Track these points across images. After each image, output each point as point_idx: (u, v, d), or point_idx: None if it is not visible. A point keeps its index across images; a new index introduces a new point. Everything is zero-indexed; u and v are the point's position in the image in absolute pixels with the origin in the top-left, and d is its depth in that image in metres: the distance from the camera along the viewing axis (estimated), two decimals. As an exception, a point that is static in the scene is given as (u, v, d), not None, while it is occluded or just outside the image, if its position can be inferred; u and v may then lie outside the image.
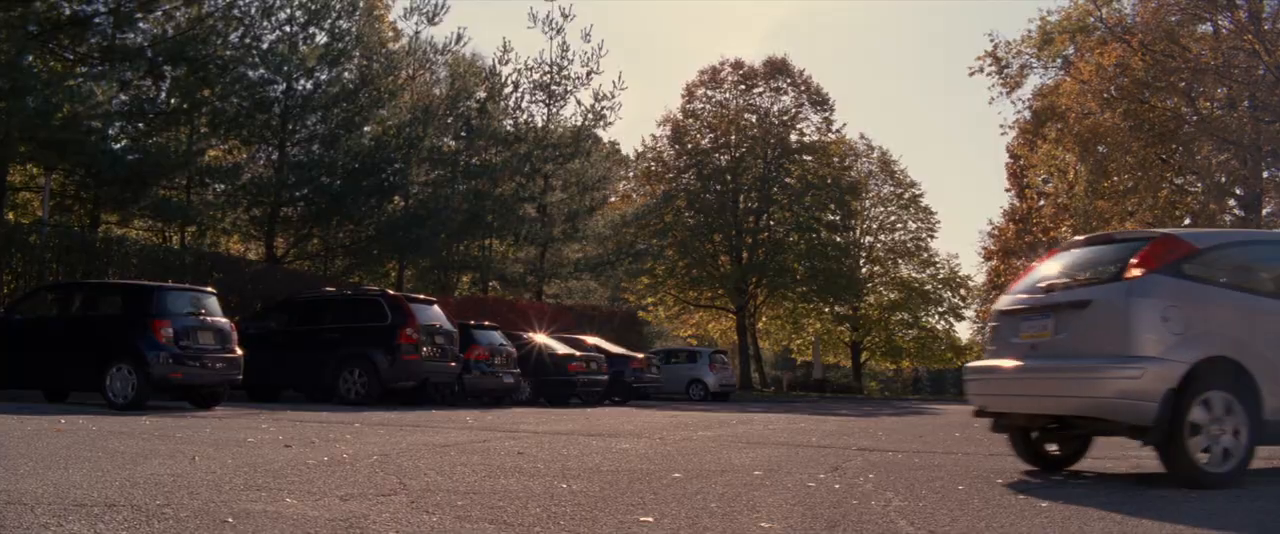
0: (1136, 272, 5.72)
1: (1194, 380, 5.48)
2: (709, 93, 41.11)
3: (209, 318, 12.29)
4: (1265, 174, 27.81)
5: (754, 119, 40.54)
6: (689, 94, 41.38)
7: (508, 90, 28.24)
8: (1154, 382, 5.45)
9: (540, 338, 19.57)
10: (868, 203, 45.19)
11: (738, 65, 40.99)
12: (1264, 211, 28.30)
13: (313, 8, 21.48)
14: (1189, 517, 4.44)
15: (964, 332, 50.29)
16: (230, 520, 3.75)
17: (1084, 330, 5.80)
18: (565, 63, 28.84)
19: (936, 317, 46.32)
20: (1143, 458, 7.21)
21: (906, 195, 45.46)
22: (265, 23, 20.74)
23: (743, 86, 40.85)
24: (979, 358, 6.78)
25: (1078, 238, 7.02)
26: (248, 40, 19.83)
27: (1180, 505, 4.86)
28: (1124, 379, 5.52)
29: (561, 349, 19.05)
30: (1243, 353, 5.64)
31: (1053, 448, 6.80)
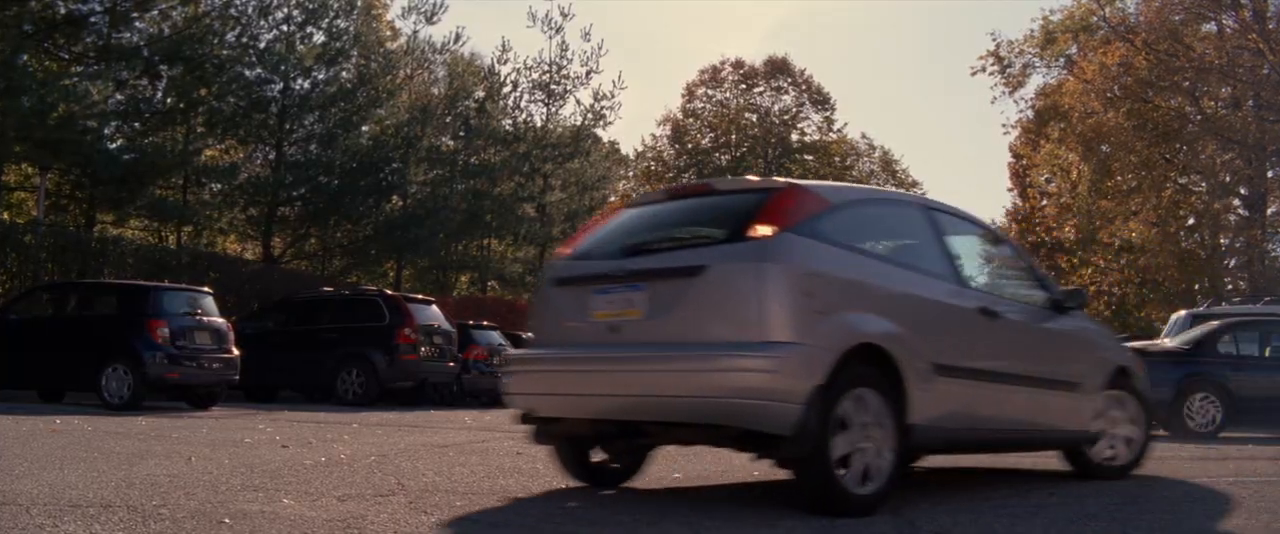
0: (765, 229, 4.28)
1: (841, 374, 4.17)
2: (709, 92, 41.17)
3: (205, 318, 12.26)
4: (1270, 173, 27.79)
5: (755, 118, 40.59)
6: (689, 93, 41.47)
7: (507, 89, 28.22)
8: (796, 376, 4.05)
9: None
10: (869, 203, 45.21)
11: (738, 64, 41.07)
12: (1269, 211, 28.29)
13: (310, 7, 21.45)
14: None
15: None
16: (227, 521, 3.72)
17: (694, 307, 4.26)
18: (564, 62, 28.82)
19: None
20: (707, 468, 6.07)
21: (908, 195, 45.47)
22: (262, 22, 20.72)
23: (743, 86, 40.90)
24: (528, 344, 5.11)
25: (663, 189, 5.69)
26: (245, 39, 19.80)
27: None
28: (756, 372, 4.05)
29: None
30: (889, 339, 4.43)
31: (603, 459, 5.19)
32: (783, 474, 4.45)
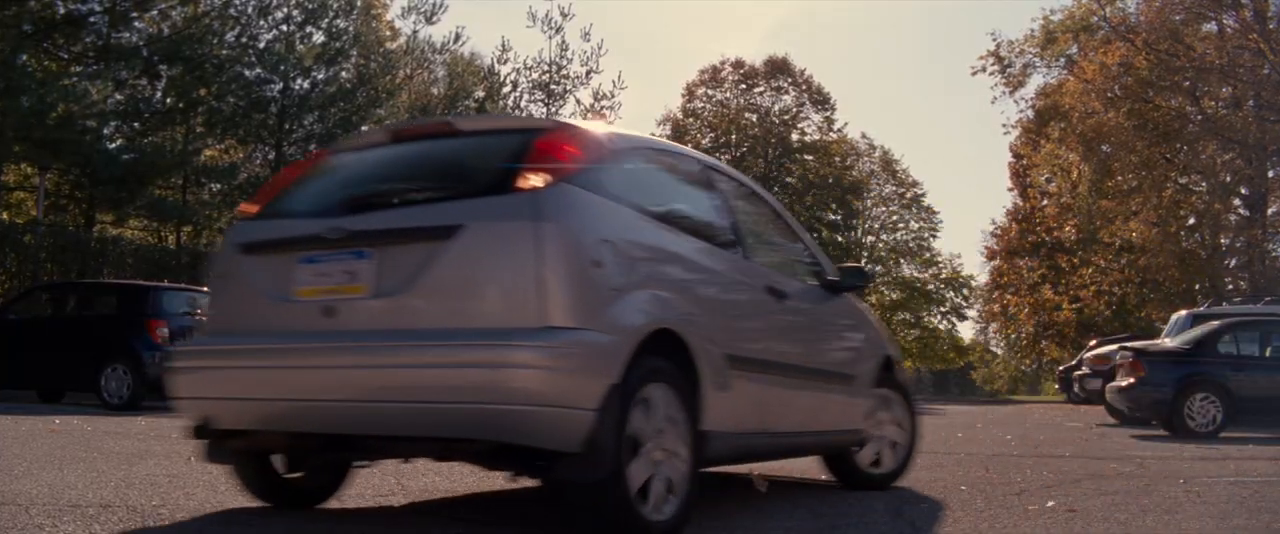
0: (539, 179, 3.28)
1: (635, 370, 3.27)
2: (709, 92, 41.17)
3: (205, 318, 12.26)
4: (1270, 173, 27.80)
5: (755, 118, 40.58)
6: (689, 93, 41.46)
7: (506, 89, 28.20)
8: (586, 372, 3.13)
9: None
10: (869, 202, 45.21)
11: (738, 64, 41.06)
12: (1269, 211, 28.28)
13: (310, 7, 21.48)
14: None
15: (966, 332, 50.39)
16: (227, 520, 3.72)
17: (444, 282, 3.21)
18: (564, 62, 28.79)
19: (939, 317, 46.36)
20: (430, 482, 4.96)
21: (908, 195, 45.48)
22: (262, 22, 20.75)
23: (743, 86, 40.90)
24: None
25: (385, 127, 4.30)
26: (244, 39, 19.83)
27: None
28: (534, 369, 3.04)
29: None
30: (687, 325, 3.57)
31: (295, 475, 4.02)
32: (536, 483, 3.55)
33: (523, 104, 28.62)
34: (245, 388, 3.50)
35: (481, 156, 3.67)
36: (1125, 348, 12.53)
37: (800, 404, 4.55)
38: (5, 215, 19.29)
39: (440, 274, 3.22)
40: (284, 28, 21.40)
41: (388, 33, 26.19)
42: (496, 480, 4.87)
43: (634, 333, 3.30)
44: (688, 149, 4.68)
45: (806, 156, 40.89)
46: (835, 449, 5.12)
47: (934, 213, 45.94)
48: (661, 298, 3.52)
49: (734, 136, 40.43)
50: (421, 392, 3.16)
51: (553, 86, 28.90)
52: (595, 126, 3.91)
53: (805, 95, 41.08)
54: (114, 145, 18.11)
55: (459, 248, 3.19)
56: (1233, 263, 29.41)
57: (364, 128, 23.65)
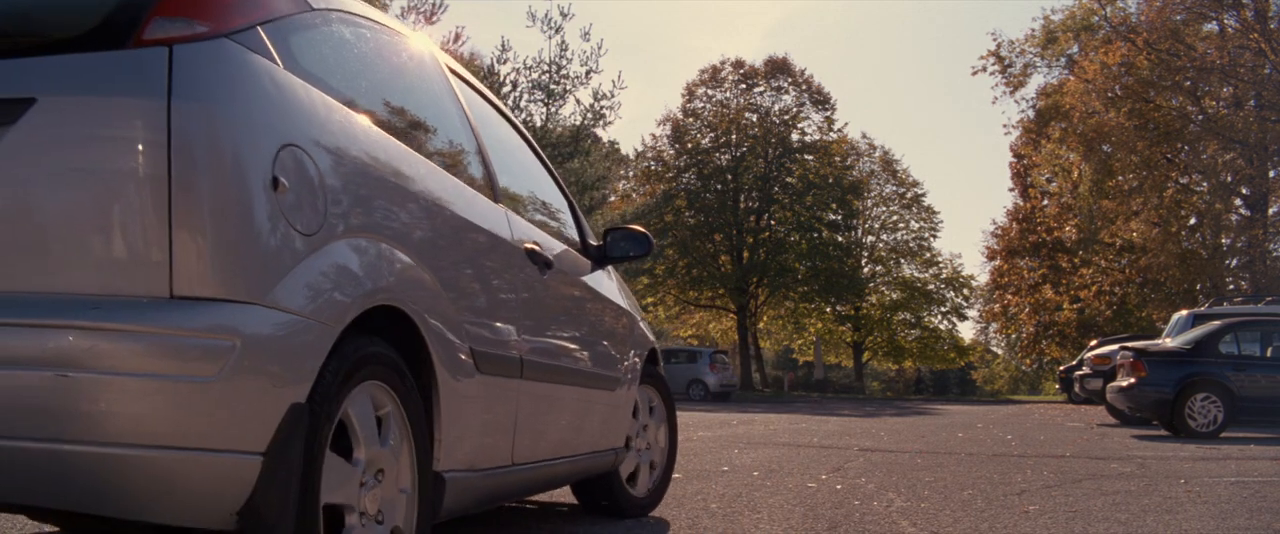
0: (173, 29, 1.82)
1: (334, 375, 1.94)
2: (709, 92, 41.15)
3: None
4: (1271, 173, 27.81)
5: (755, 118, 40.56)
6: (689, 93, 41.45)
7: (506, 89, 28.21)
8: (252, 383, 1.74)
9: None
10: (869, 202, 45.19)
11: (738, 64, 41.04)
12: (1270, 211, 28.29)
13: (312, 6, 21.50)
14: None
15: (967, 332, 50.35)
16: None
17: None
18: (564, 62, 28.79)
19: (939, 317, 46.35)
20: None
21: (908, 195, 45.47)
22: (264, 21, 20.75)
23: (743, 86, 40.89)
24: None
25: None
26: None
27: None
28: (150, 376, 1.63)
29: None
30: (416, 297, 2.26)
31: None
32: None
33: (522, 104, 28.68)
34: None
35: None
36: (1126, 348, 12.52)
37: (563, 419, 3.32)
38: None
39: None
40: (285, 27, 21.44)
41: (389, 32, 26.22)
42: None
43: (341, 314, 1.95)
44: (418, 34, 3.08)
45: (807, 156, 40.87)
46: (593, 471, 3.77)
47: (934, 213, 45.96)
48: (384, 254, 2.16)
49: (734, 137, 40.42)
50: None
51: (552, 86, 28.92)
52: None
53: (805, 95, 41.06)
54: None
55: (19, 140, 1.73)
56: (1234, 263, 29.41)
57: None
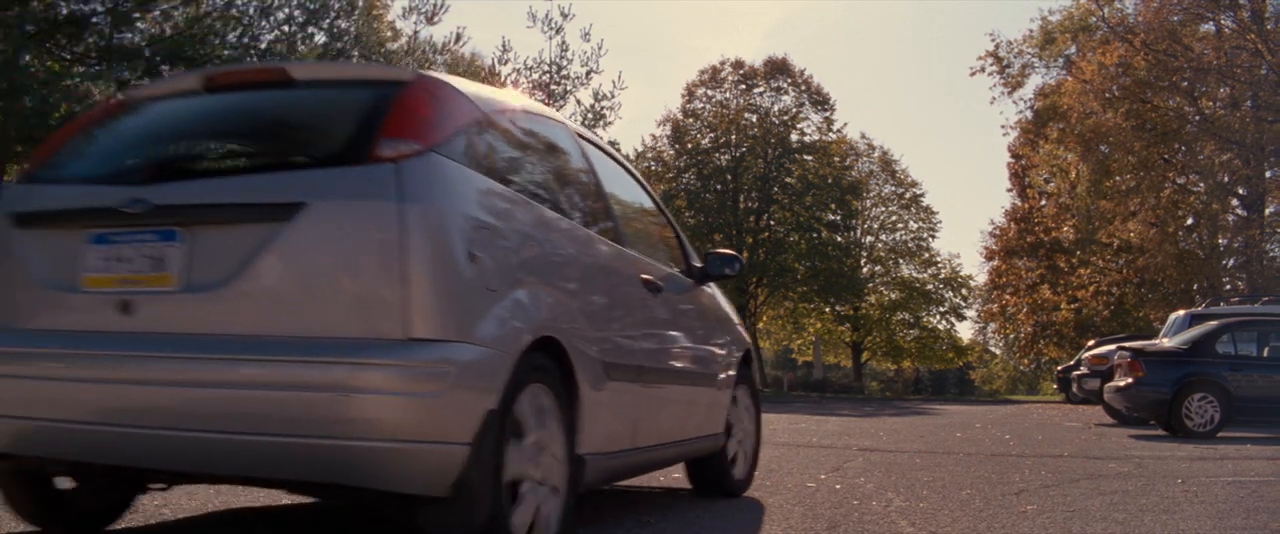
0: (403, 146, 2.61)
1: (514, 389, 2.72)
2: (709, 92, 41.17)
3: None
4: (1268, 174, 27.83)
5: (754, 119, 40.58)
6: (689, 94, 41.46)
7: (507, 89, 28.27)
8: (461, 397, 2.52)
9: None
10: (868, 202, 45.22)
11: (738, 65, 41.05)
12: (1267, 211, 28.32)
13: (311, 7, 21.44)
14: None
15: (965, 332, 50.34)
16: (229, 520, 3.75)
17: (275, 273, 2.55)
18: (565, 62, 28.79)
19: (938, 317, 46.38)
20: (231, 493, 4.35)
21: (907, 195, 45.50)
22: (264, 22, 20.69)
23: (743, 86, 40.90)
24: None
25: (200, 72, 3.28)
26: (246, 40, 19.76)
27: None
28: (395, 395, 2.42)
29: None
30: (568, 332, 3.04)
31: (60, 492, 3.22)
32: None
33: (523, 104, 28.74)
34: (14, 403, 2.66)
35: (328, 115, 2.90)
36: (1123, 348, 12.54)
37: (673, 411, 4.08)
38: (7, 215, 19.28)
39: (272, 266, 2.51)
40: (286, 28, 21.35)
41: (389, 34, 26.18)
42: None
43: (516, 345, 2.70)
44: (553, 112, 3.93)
45: (806, 157, 40.89)
46: (700, 454, 4.58)
47: (933, 213, 45.97)
48: (543, 298, 2.91)
49: (734, 137, 40.44)
50: (242, 419, 2.43)
51: (553, 87, 28.94)
52: (454, 81, 3.04)
53: (805, 96, 41.09)
54: (116, 146, 18.11)
55: (297, 233, 2.49)
56: (1231, 263, 29.44)
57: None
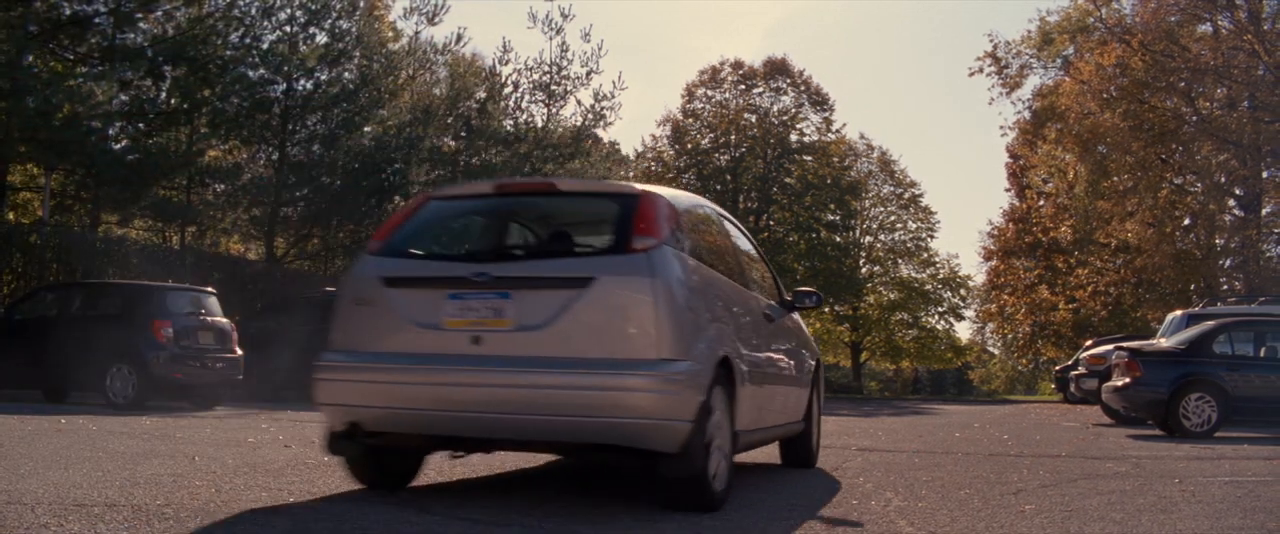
0: (648, 240, 4.16)
1: (711, 389, 4.23)
2: (709, 93, 41.14)
3: (209, 318, 12.31)
4: (1265, 174, 27.86)
5: (754, 119, 40.56)
6: (689, 94, 41.44)
7: (507, 90, 28.21)
8: (687, 393, 4.03)
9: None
10: (867, 203, 45.20)
11: (737, 65, 41.04)
12: (1264, 211, 28.35)
13: (313, 8, 21.48)
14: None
15: (964, 332, 50.30)
16: (231, 520, 3.77)
17: (578, 321, 4.04)
18: (565, 63, 28.78)
19: (936, 317, 46.36)
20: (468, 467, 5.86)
21: (906, 195, 45.48)
22: (265, 23, 20.74)
23: (742, 86, 40.89)
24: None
25: (488, 183, 5.03)
26: (248, 40, 19.82)
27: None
28: (649, 392, 3.96)
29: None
30: (734, 352, 4.62)
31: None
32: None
33: (524, 105, 28.73)
34: (399, 399, 4.24)
35: (595, 218, 4.90)
36: (1121, 348, 12.55)
37: (778, 403, 5.66)
38: (11, 216, 19.26)
39: (576, 315, 4.08)
40: (287, 29, 21.40)
41: (390, 34, 26.20)
42: (523, 462, 6.27)
43: (712, 361, 4.28)
44: (707, 201, 5.64)
45: (805, 157, 40.88)
46: (789, 436, 6.33)
47: (932, 213, 45.96)
48: (722, 331, 4.54)
49: (733, 137, 40.42)
50: (554, 407, 4.05)
51: (553, 87, 28.94)
52: (663, 192, 4.59)
53: (804, 96, 41.07)
54: (119, 146, 18.09)
55: (592, 295, 4.09)
56: (1228, 263, 29.46)
57: (366, 128, 23.68)
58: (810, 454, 6.61)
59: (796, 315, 6.51)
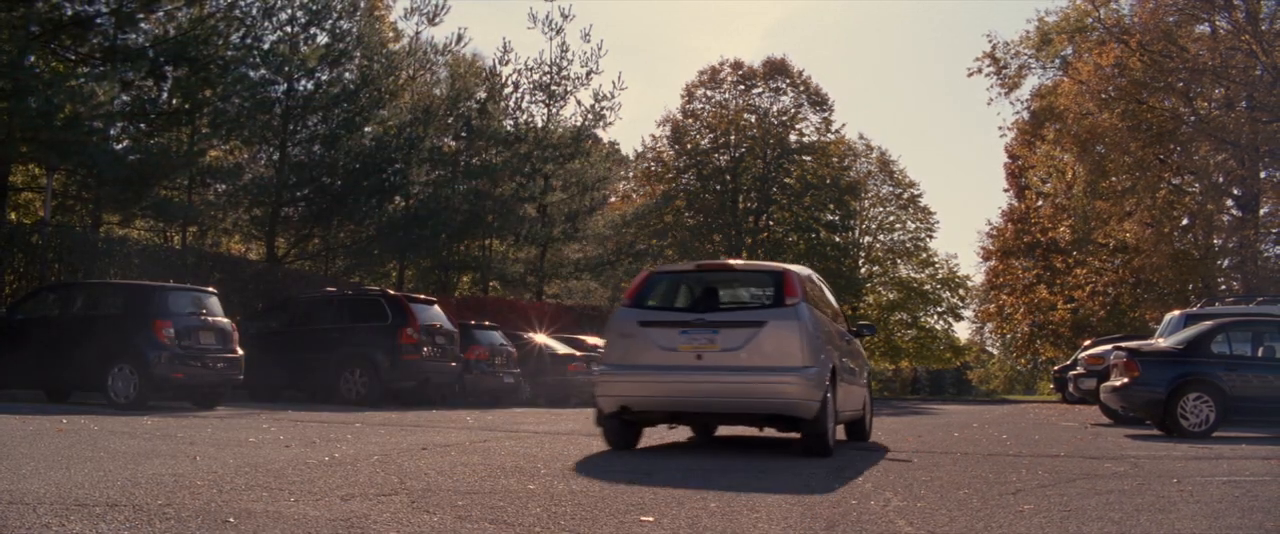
0: (793, 299, 7.30)
1: (832, 383, 7.40)
2: (708, 93, 41.16)
3: (210, 318, 12.33)
4: (1263, 174, 27.90)
5: (753, 119, 40.57)
6: (689, 94, 41.45)
7: (508, 91, 28.26)
8: (817, 387, 7.07)
9: (540, 338, 19.60)
10: (867, 203, 45.24)
11: (737, 65, 41.05)
12: (1261, 211, 28.38)
13: (314, 8, 21.51)
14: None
15: (963, 332, 50.29)
16: (232, 520, 3.79)
17: (757, 345, 7.13)
18: (565, 63, 28.85)
19: (935, 317, 46.41)
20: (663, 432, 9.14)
21: (905, 195, 45.52)
22: (266, 23, 20.77)
23: (742, 87, 40.90)
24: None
25: (692, 263, 8.90)
26: (249, 41, 19.83)
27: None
28: (799, 384, 7.02)
29: (561, 349, 19.07)
30: (836, 362, 7.66)
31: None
32: (727, 433, 9.57)
33: (524, 105, 28.76)
34: (653, 392, 7.41)
35: (760, 285, 8.04)
36: (1119, 348, 12.57)
37: (853, 397, 8.58)
38: (13, 216, 19.27)
39: (757, 342, 7.19)
40: (288, 29, 21.44)
41: (391, 34, 26.23)
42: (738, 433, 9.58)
43: (827, 368, 7.28)
44: (814, 272, 8.82)
45: (805, 157, 40.89)
46: (856, 419, 9.09)
47: (931, 213, 46.02)
48: (830, 351, 7.52)
49: (733, 137, 40.43)
50: (747, 395, 7.24)
51: (553, 87, 28.97)
52: (795, 268, 7.81)
53: (803, 96, 41.08)
54: (121, 146, 18.09)
55: (765, 331, 7.21)
56: (1226, 263, 29.49)
57: (367, 129, 23.69)
58: (865, 432, 9.37)
59: (857, 339, 9.43)
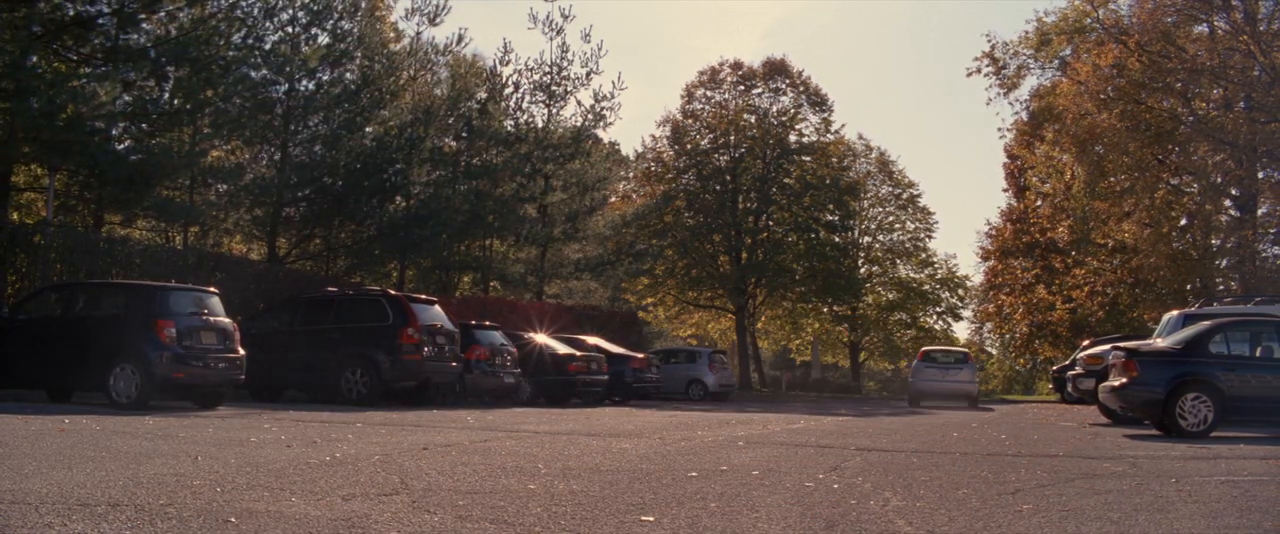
0: (968, 359, 21.61)
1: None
2: (708, 93, 41.15)
3: (211, 318, 12.34)
4: (1261, 174, 27.91)
5: (753, 119, 40.57)
6: (688, 94, 41.44)
7: (508, 91, 28.27)
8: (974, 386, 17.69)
9: (540, 338, 19.61)
10: (866, 203, 45.25)
11: (737, 66, 41.04)
12: (1260, 211, 28.40)
13: (315, 9, 21.53)
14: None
15: (962, 331, 50.31)
16: (233, 520, 3.80)
17: (964, 372, 18.29)
18: (565, 63, 28.86)
19: (934, 317, 46.45)
20: None
21: (904, 195, 45.56)
22: (268, 23, 20.79)
23: (742, 87, 40.90)
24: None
25: (928, 350, 17.87)
26: (250, 41, 19.84)
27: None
28: (968, 384, 17.19)
29: (562, 349, 19.08)
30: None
31: None
32: None
33: (524, 105, 28.77)
34: (932, 389, 24.20)
35: (961, 354, 26.30)
36: (1118, 348, 12.58)
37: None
38: (15, 216, 19.28)
39: (963, 372, 24.54)
40: (289, 29, 21.46)
41: (391, 34, 26.22)
42: None
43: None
44: None
45: (804, 157, 40.90)
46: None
47: (930, 214, 46.07)
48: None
49: (733, 138, 40.43)
50: (959, 392, 24.31)
51: (554, 88, 28.98)
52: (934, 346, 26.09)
53: (803, 96, 41.08)
54: (122, 146, 18.10)
55: (966, 368, 24.70)
56: (1224, 263, 29.51)
57: (368, 129, 23.72)
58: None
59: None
